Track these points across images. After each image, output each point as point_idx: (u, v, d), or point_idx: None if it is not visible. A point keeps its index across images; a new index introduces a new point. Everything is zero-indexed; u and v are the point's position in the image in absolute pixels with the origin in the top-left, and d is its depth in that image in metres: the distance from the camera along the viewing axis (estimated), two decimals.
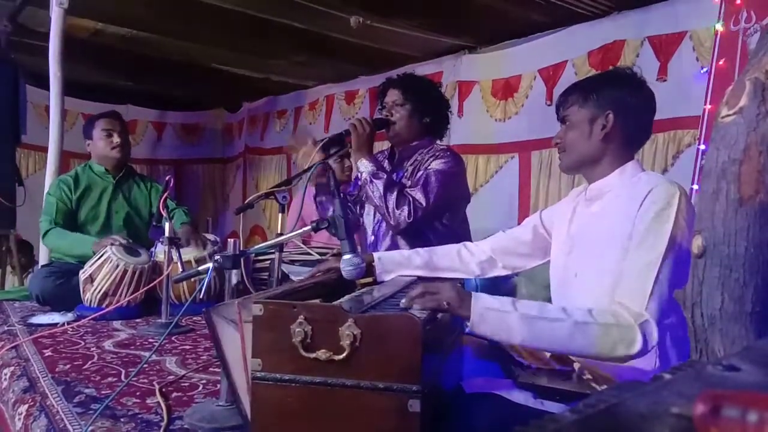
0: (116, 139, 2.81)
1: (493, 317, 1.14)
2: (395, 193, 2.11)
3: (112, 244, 2.40)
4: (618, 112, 1.39)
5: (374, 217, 2.35)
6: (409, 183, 2.21)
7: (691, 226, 1.19)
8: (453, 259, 1.66)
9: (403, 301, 1.16)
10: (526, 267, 1.68)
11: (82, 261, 2.59)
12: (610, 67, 2.49)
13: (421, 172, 2.20)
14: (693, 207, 1.26)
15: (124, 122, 2.95)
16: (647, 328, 1.16)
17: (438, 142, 2.38)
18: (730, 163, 0.95)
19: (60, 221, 2.70)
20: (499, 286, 2.14)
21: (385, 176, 2.16)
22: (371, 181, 2.15)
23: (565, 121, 1.47)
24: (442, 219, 2.23)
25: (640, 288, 1.20)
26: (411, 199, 2.11)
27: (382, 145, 2.91)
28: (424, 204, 2.11)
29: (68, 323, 2.18)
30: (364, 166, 2.18)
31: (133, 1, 3.71)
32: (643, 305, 1.18)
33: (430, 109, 2.33)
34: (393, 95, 2.30)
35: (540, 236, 1.62)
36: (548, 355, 1.37)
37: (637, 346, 1.14)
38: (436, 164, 2.19)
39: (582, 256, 1.41)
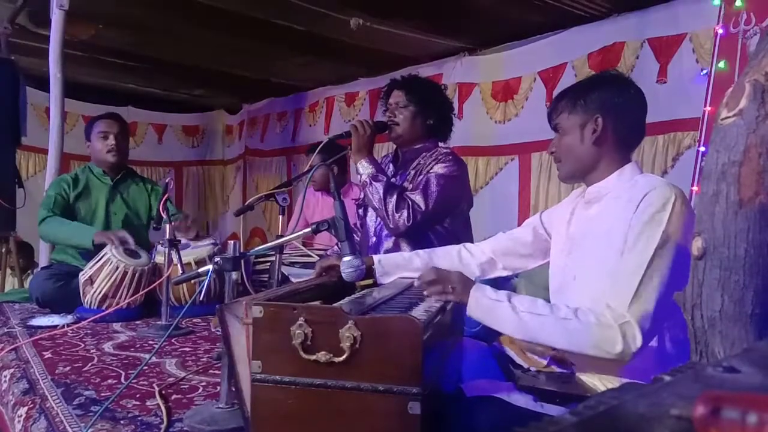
0: (111, 141, 2.79)
1: (487, 304, 1.27)
2: (395, 196, 2.11)
3: (116, 243, 2.41)
4: (607, 115, 1.38)
5: (376, 219, 2.35)
6: (411, 186, 2.21)
7: (689, 228, 1.19)
8: (453, 260, 1.66)
9: (416, 282, 1.36)
10: (527, 268, 1.69)
11: (81, 263, 2.60)
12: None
13: (422, 176, 2.20)
14: (692, 210, 1.26)
15: (124, 124, 2.92)
16: (627, 329, 1.18)
17: (441, 144, 2.38)
18: (730, 165, 0.95)
19: (58, 213, 2.69)
20: (499, 288, 2.14)
21: (385, 179, 2.16)
22: (371, 184, 2.15)
23: (558, 129, 1.47)
24: (443, 222, 2.22)
25: (625, 290, 1.21)
26: (411, 202, 2.11)
27: (384, 147, 2.90)
28: (423, 208, 2.10)
29: (68, 325, 2.18)
30: (363, 168, 2.18)
31: (133, 3, 3.71)
32: (626, 307, 1.19)
33: (434, 111, 2.33)
34: (397, 96, 2.30)
35: (540, 237, 1.62)
36: (547, 358, 1.37)
37: (619, 346, 1.17)
38: (438, 168, 2.18)
39: (580, 259, 1.41)
